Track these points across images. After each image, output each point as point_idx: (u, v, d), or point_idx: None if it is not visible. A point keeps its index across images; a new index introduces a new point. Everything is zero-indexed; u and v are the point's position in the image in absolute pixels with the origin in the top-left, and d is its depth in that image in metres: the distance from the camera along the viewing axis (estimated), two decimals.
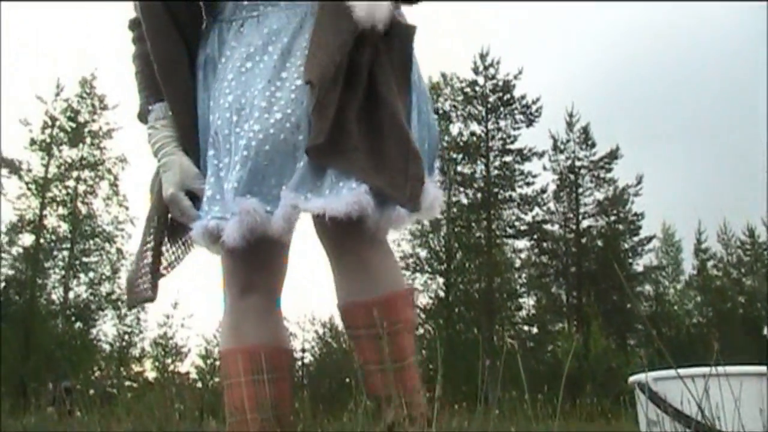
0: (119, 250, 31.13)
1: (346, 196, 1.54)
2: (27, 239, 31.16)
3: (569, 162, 33.32)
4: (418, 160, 1.65)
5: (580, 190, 33.33)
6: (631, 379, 2.94)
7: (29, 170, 30.64)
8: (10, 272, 31.93)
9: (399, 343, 1.65)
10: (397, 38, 1.75)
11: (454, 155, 32.71)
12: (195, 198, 1.75)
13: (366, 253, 1.67)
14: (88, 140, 31.06)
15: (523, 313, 33.77)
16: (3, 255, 31.64)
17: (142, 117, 1.87)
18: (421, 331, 32.53)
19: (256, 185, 1.60)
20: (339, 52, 1.61)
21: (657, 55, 49.34)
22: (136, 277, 1.84)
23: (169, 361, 32.48)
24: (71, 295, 31.30)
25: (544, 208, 33.33)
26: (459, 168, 33.03)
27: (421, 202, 1.65)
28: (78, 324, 31.62)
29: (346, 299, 1.70)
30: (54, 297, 31.66)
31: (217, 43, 1.79)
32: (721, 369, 2.10)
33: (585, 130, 33.30)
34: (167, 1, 1.79)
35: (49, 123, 30.87)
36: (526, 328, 33.57)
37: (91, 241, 31.15)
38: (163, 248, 1.85)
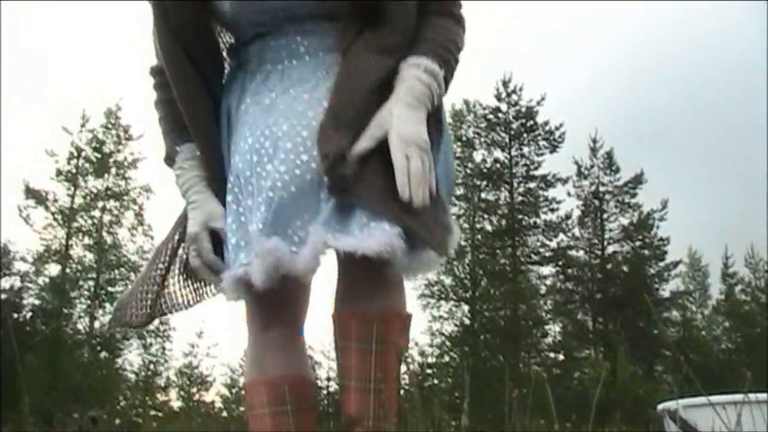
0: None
1: (380, 237, 1.52)
2: (53, 269, 31.36)
3: (593, 187, 33.16)
4: (444, 205, 1.67)
5: (605, 215, 33.14)
6: (660, 406, 2.91)
7: (55, 200, 30.88)
8: (37, 302, 32.13)
9: (384, 363, 1.63)
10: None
11: (478, 182, 32.67)
12: (218, 240, 1.75)
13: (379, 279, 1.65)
14: (113, 170, 31.25)
15: (549, 340, 33.52)
16: (29, 285, 31.90)
17: (169, 160, 1.87)
18: (446, 359, 32.38)
19: (281, 226, 1.59)
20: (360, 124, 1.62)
21: (681, 80, 49.23)
22: (131, 299, 1.84)
23: (194, 390, 32.52)
24: (97, 324, 31.37)
25: (569, 234, 33.19)
26: (483, 195, 32.98)
27: (448, 246, 1.64)
28: (104, 353, 31.71)
29: (343, 307, 1.69)
30: (80, 326, 31.78)
31: (239, 92, 1.79)
32: (752, 396, 2.05)
33: (609, 155, 33.15)
34: (189, 49, 1.79)
35: (75, 154, 31.11)
36: (551, 355, 33.29)
37: (117, 271, 31.25)
38: (172, 287, 1.85)
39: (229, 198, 1.72)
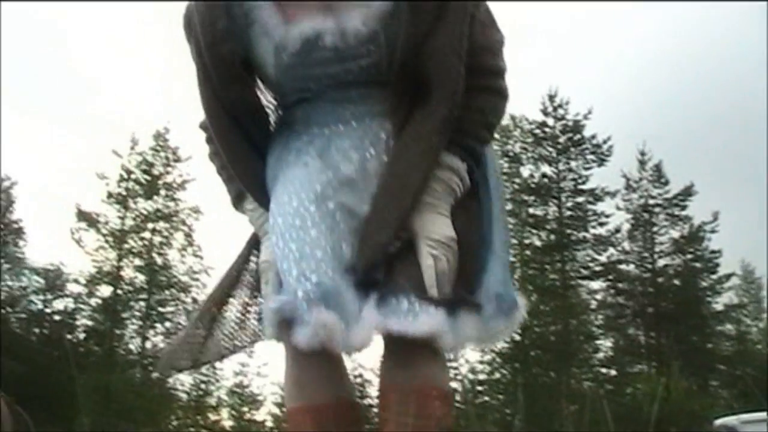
0: (195, 300, 31.49)
1: (427, 320, 1.56)
2: (105, 290, 31.79)
3: (642, 200, 32.77)
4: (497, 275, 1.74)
5: (655, 228, 32.72)
6: (717, 422, 2.81)
7: (106, 223, 31.34)
8: (90, 323, 32.57)
9: None
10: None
11: (526, 197, 32.49)
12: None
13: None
14: (163, 192, 31.63)
15: (600, 355, 33.12)
16: (82, 306, 32.31)
17: (238, 204, 1.89)
18: (497, 375, 32.16)
19: (335, 299, 1.57)
20: (398, 224, 1.65)
21: (731, 90, 48.52)
22: (186, 342, 1.88)
23: (245, 409, 32.63)
24: (148, 344, 31.72)
25: (619, 248, 32.81)
26: (531, 210, 32.77)
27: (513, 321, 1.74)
28: (155, 373, 31.97)
29: (385, 381, 1.70)
30: (132, 347, 32.17)
31: (283, 148, 1.78)
32: None
33: (657, 168, 32.75)
34: (234, 110, 1.78)
35: (125, 176, 31.56)
36: (603, 370, 32.89)
37: (167, 292, 31.59)
38: (226, 329, 1.88)
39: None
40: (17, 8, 44.43)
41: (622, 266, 32.93)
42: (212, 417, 32.95)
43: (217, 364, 32.01)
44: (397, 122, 1.71)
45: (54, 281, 33.30)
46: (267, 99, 1.89)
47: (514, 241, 31.91)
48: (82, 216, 31.26)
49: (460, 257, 1.70)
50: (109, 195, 31.33)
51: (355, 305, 1.58)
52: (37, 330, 34.33)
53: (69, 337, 32.82)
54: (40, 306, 33.94)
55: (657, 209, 32.80)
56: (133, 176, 31.49)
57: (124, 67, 50.89)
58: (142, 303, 31.56)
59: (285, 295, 1.59)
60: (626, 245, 32.84)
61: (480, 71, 1.72)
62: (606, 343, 33.43)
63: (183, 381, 32.35)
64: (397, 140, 1.69)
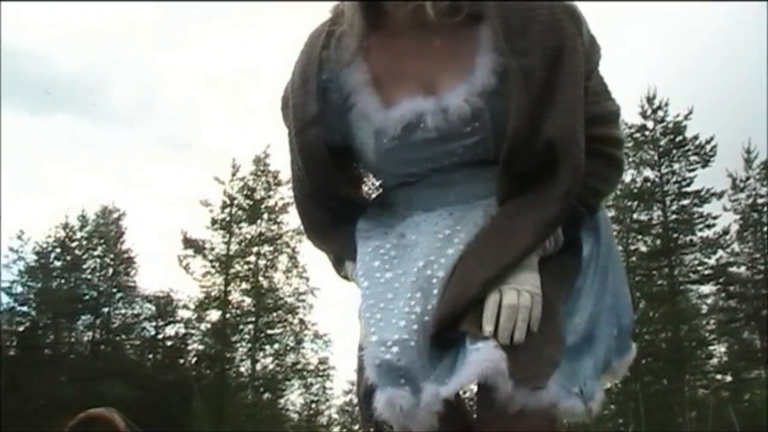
0: (302, 321, 31.93)
1: (476, 360, 1.43)
2: (214, 315, 32.49)
3: (751, 200, 31.75)
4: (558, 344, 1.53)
5: (765, 228, 31.69)
6: None
7: (212, 249, 32.03)
8: (200, 347, 33.32)
9: None
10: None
11: (629, 203, 31.88)
12: None
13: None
14: (266, 216, 32.19)
15: (714, 361, 32.19)
16: (193, 331, 33.08)
17: (339, 269, 1.83)
18: (608, 385, 31.53)
19: (412, 375, 1.47)
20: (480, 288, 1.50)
21: None
22: None
23: (356, 428, 32.78)
24: (258, 366, 32.26)
25: (728, 250, 31.79)
26: (635, 215, 32.13)
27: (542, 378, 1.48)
28: (266, 395, 32.49)
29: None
30: (242, 369, 32.77)
31: (383, 229, 1.68)
32: None
33: (765, 166, 31.72)
34: (327, 190, 1.74)
35: (228, 202, 32.23)
36: (718, 376, 31.96)
37: (275, 314, 32.08)
38: None
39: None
40: (119, 53, 45.93)
41: (733, 269, 31.97)
42: None
43: (328, 383, 32.46)
44: (506, 199, 1.60)
45: (165, 308, 34.24)
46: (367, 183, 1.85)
47: (620, 247, 31.25)
48: (189, 243, 32.03)
49: (544, 315, 1.52)
50: (214, 221, 32.05)
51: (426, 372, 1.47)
52: (150, 356, 35.33)
53: (181, 361, 33.65)
54: (153, 332, 34.92)
55: (766, 208, 31.78)
56: (235, 202, 32.13)
57: (220, 93, 51.98)
58: (251, 326, 32.11)
59: (367, 365, 1.51)
60: (736, 247, 31.90)
61: (595, 139, 1.61)
62: (720, 349, 32.50)
63: (294, 401, 32.79)
64: (509, 204, 1.58)
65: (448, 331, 1.48)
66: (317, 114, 1.66)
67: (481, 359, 1.41)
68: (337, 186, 1.72)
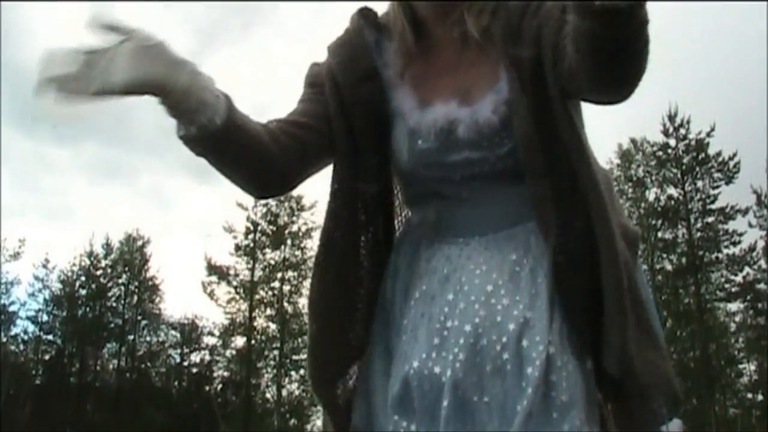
0: None
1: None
2: (239, 341, 32.53)
3: None
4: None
5: None
6: None
7: (236, 275, 32.09)
8: (226, 374, 33.36)
9: None
10: (629, 245, 1.58)
11: (654, 221, 31.73)
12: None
13: None
14: (289, 242, 32.23)
15: (745, 380, 31.95)
16: (218, 358, 33.13)
17: None
18: None
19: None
20: None
21: None
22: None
23: None
24: (284, 392, 32.21)
25: (755, 266, 31.57)
26: (660, 234, 31.99)
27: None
28: (292, 421, 32.42)
29: None
30: (268, 395, 32.77)
31: (413, 254, 1.62)
32: None
33: None
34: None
35: (252, 228, 32.32)
36: (749, 395, 31.66)
37: (299, 339, 32.01)
38: None
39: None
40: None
41: (761, 286, 31.71)
42: None
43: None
44: (546, 219, 1.51)
45: (190, 335, 34.34)
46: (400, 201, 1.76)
47: (645, 267, 31.13)
48: (213, 270, 32.10)
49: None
50: (237, 248, 32.12)
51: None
52: (176, 383, 35.41)
53: (207, 388, 33.69)
54: (178, 359, 35.02)
55: None
56: (259, 227, 32.21)
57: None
58: (276, 352, 32.09)
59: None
60: (763, 263, 31.64)
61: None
62: (750, 367, 32.24)
63: (320, 427, 32.63)
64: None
65: None
66: (373, 68, 1.62)
67: None
68: (382, 157, 1.63)
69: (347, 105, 1.59)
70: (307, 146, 1.56)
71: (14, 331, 34.86)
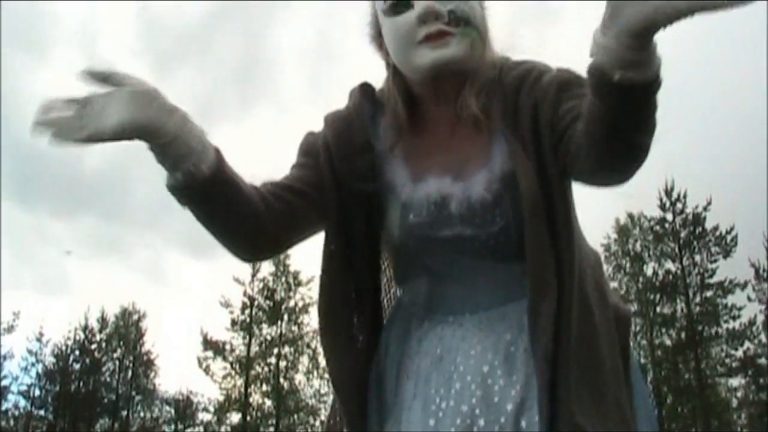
0: (323, 423, 31.45)
1: None
2: (234, 417, 32.13)
3: None
4: None
5: None
6: None
7: (232, 350, 31.87)
8: None
9: None
10: (620, 323, 1.60)
11: (652, 296, 31.64)
12: None
13: None
14: (286, 317, 32.09)
15: None
16: None
17: None
18: None
19: None
20: None
21: None
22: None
23: None
24: None
25: (755, 341, 31.32)
26: (658, 309, 31.85)
27: None
28: None
29: None
30: None
31: (404, 334, 1.62)
32: None
33: None
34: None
35: (248, 303, 32.20)
36: None
37: (296, 416, 31.70)
38: None
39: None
40: (142, 155, 46.58)
41: (762, 360, 31.47)
42: None
43: None
44: (538, 297, 1.48)
45: (184, 411, 33.93)
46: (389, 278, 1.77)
47: (644, 342, 31.01)
48: (209, 344, 31.90)
49: None
50: (234, 323, 31.98)
51: None
52: None
53: None
54: None
55: None
56: (256, 303, 32.10)
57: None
58: (272, 429, 31.71)
59: None
60: (763, 337, 31.43)
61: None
62: None
63: None
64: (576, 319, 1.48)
65: None
66: (368, 142, 1.63)
67: None
68: (373, 231, 1.64)
69: (340, 177, 1.60)
70: (298, 212, 1.57)
71: (5, 406, 34.39)
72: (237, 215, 1.46)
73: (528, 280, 1.47)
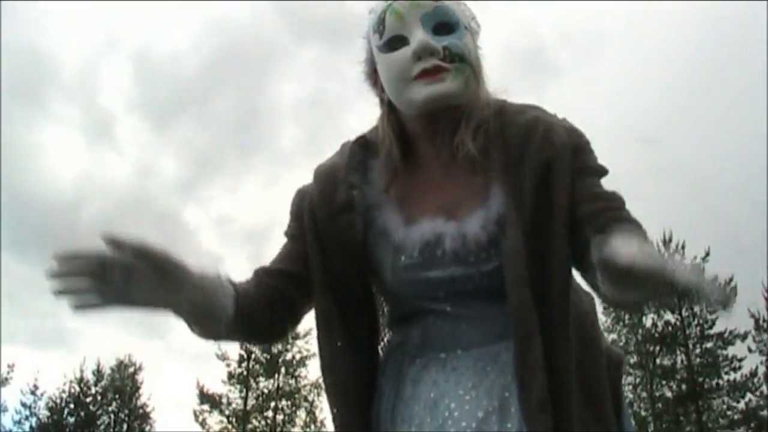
0: None
1: None
2: None
3: None
4: None
5: None
6: None
7: (229, 404, 31.63)
8: None
9: None
10: (612, 367, 1.61)
11: (652, 348, 31.46)
12: None
13: None
14: (283, 370, 31.90)
15: None
16: None
17: None
18: None
19: None
20: None
21: None
22: None
23: None
24: None
25: (757, 393, 31.13)
26: (658, 360, 31.65)
27: None
28: None
29: None
30: None
31: (397, 376, 1.60)
32: None
33: None
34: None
35: (245, 356, 32.03)
36: None
37: None
38: None
39: None
40: (140, 207, 46.77)
41: (764, 413, 31.21)
42: None
43: None
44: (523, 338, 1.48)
45: None
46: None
47: (644, 394, 30.77)
48: (205, 398, 31.66)
49: None
50: (230, 376, 31.78)
51: None
52: None
53: None
54: None
55: None
56: (253, 356, 31.92)
57: (242, 247, 52.52)
58: None
59: None
60: (765, 389, 31.22)
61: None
62: None
63: None
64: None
65: None
66: (349, 202, 1.62)
67: None
68: (363, 287, 1.65)
69: (323, 237, 1.61)
70: (296, 298, 1.64)
71: None
72: (257, 338, 1.74)
73: (512, 333, 1.48)
